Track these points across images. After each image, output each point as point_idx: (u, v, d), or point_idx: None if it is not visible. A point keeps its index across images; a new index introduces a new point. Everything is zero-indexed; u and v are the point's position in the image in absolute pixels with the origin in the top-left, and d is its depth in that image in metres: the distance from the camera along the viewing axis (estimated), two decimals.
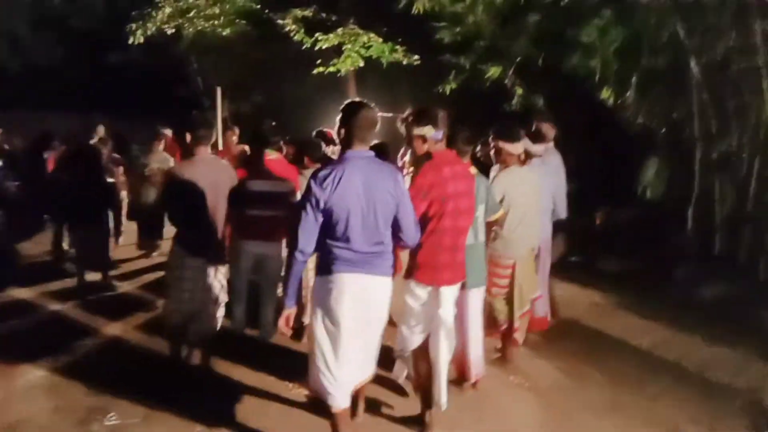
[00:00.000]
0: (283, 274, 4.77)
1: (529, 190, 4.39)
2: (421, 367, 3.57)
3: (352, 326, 2.99)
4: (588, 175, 7.72)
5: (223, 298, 4.21)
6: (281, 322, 3.09)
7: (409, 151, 5.02)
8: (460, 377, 4.08)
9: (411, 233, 3.11)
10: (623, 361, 4.80)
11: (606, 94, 7.27)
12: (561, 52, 7.77)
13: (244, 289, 4.76)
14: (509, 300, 4.38)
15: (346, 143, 3.02)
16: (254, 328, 4.90)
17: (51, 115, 11.73)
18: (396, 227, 3.06)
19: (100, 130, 6.87)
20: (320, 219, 2.92)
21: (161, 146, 7.23)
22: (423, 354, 3.55)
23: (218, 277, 4.12)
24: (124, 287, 6.47)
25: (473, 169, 3.89)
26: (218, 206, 4.04)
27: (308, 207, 2.90)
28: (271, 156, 4.69)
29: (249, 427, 3.65)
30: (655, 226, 6.63)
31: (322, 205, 2.88)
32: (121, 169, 7.81)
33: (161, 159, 7.31)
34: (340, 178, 2.87)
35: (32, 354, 4.61)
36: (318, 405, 3.85)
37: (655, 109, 7.18)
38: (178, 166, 4.09)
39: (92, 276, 6.38)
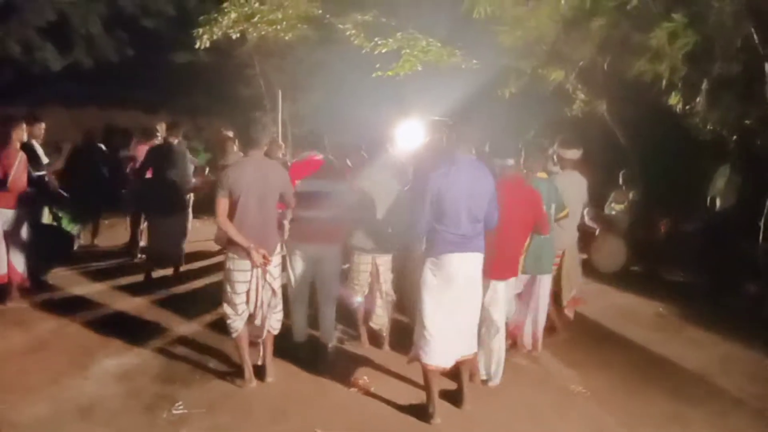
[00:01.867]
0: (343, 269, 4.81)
1: (575, 190, 5.06)
2: None
3: (457, 296, 3.66)
4: (653, 183, 7.52)
5: (276, 302, 4.17)
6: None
7: None
8: (533, 347, 4.82)
9: (492, 220, 3.78)
10: (688, 374, 4.66)
11: (675, 99, 7.06)
12: (626, 57, 7.59)
13: (305, 294, 4.67)
14: (557, 283, 5.02)
15: (455, 147, 3.75)
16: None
17: (120, 112, 12.22)
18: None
19: (163, 128, 7.10)
20: (432, 207, 3.60)
21: (235, 146, 7.40)
22: None
23: (269, 280, 4.07)
24: (197, 283, 6.74)
25: (544, 175, 4.67)
26: (266, 208, 4.01)
27: (428, 196, 3.60)
28: (319, 157, 4.59)
29: (308, 420, 3.72)
30: (724, 238, 6.38)
31: (435, 195, 3.58)
32: (192, 166, 8.10)
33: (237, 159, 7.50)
34: (453, 176, 3.61)
35: (105, 343, 4.87)
36: (374, 402, 3.94)
37: (726, 117, 6.91)
38: (228, 167, 4.04)
39: (164, 271, 6.71)
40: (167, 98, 12.69)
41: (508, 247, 4.00)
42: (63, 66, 13.40)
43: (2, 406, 3.76)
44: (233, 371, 4.32)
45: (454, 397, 3.97)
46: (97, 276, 6.80)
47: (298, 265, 4.57)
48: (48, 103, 11.81)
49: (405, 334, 5.10)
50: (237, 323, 4.07)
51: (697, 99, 7.03)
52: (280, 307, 4.21)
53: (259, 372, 4.25)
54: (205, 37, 9.72)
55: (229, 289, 4.04)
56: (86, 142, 8.17)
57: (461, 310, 3.72)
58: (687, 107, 7.13)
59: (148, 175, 6.62)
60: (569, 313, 5.24)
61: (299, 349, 4.67)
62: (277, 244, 4.17)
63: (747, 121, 6.79)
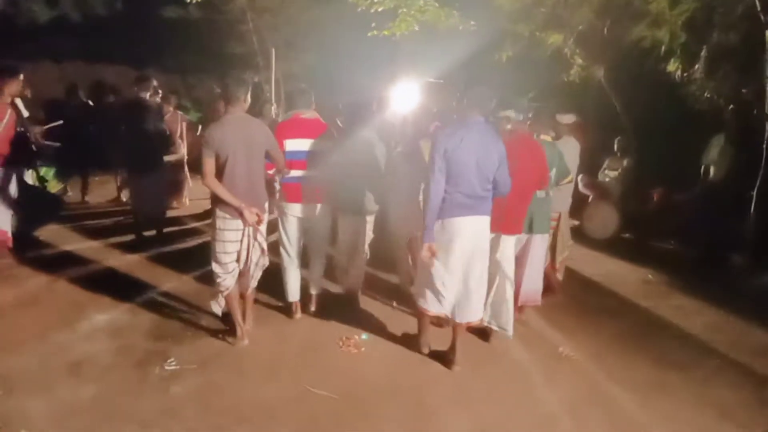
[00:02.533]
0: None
1: (572, 155, 5.07)
2: None
3: (462, 258, 3.74)
4: (647, 152, 7.50)
5: (264, 260, 4.20)
6: (425, 253, 3.71)
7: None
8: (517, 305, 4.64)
9: (506, 186, 3.81)
10: (672, 341, 4.72)
11: (673, 66, 7.00)
12: (626, 22, 7.49)
13: (297, 254, 4.64)
14: (552, 245, 5.13)
15: (467, 110, 3.76)
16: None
17: (109, 68, 11.98)
18: (494, 181, 3.75)
19: (150, 86, 6.84)
20: (445, 167, 3.60)
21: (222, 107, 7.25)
22: None
23: (258, 239, 4.07)
24: (190, 241, 6.75)
25: (549, 138, 4.70)
26: (253, 166, 3.95)
27: (438, 157, 3.60)
28: (305, 116, 4.51)
29: (299, 378, 3.75)
30: (715, 208, 6.40)
31: (447, 156, 3.59)
32: (185, 124, 7.98)
33: None
34: (462, 138, 3.63)
35: (95, 299, 4.85)
36: (364, 360, 3.97)
37: (723, 86, 6.87)
38: (211, 126, 3.96)
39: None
40: (157, 54, 12.40)
41: (517, 201, 4.03)
42: (50, 18, 13.04)
43: None
44: (225, 329, 4.34)
45: (444, 358, 4.04)
46: (88, 233, 6.75)
47: (289, 226, 4.57)
48: (35, 58, 11.57)
49: (391, 292, 5.23)
50: (227, 281, 4.07)
51: (696, 67, 6.97)
52: (265, 262, 4.23)
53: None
54: None
55: (219, 249, 4.00)
56: (68, 95, 7.99)
57: (467, 274, 3.79)
58: (685, 75, 7.08)
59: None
60: (559, 275, 5.35)
61: (291, 308, 4.71)
62: (266, 202, 4.13)
63: (743, 91, 6.75)
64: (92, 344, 4.11)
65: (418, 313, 4.05)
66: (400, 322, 4.63)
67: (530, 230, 4.51)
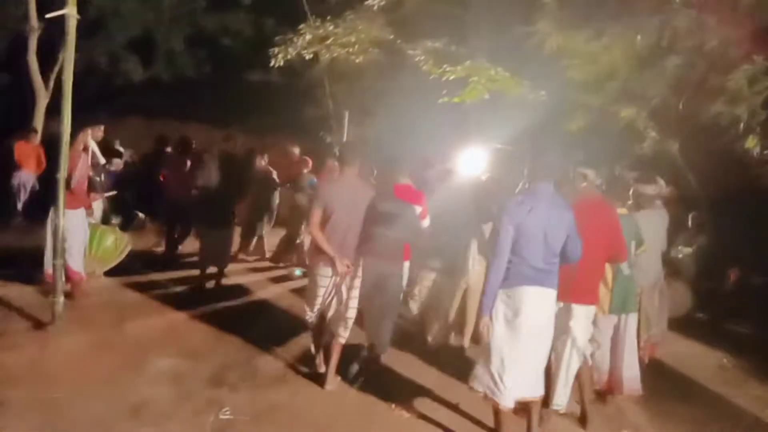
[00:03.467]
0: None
1: (652, 228, 4.83)
2: None
3: (527, 333, 3.50)
4: (724, 229, 7.19)
5: (351, 314, 4.41)
6: (483, 329, 3.58)
7: None
8: (609, 391, 4.55)
9: (575, 254, 3.64)
10: None
11: (751, 143, 6.78)
12: (702, 98, 7.37)
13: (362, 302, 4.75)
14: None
15: (535, 177, 3.75)
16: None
17: (194, 125, 12.74)
18: (563, 248, 3.61)
19: (237, 143, 7.35)
20: (513, 238, 3.50)
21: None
22: None
23: (342, 290, 4.35)
24: (252, 295, 7.01)
25: (625, 210, 4.47)
26: (353, 225, 4.33)
27: (505, 227, 3.51)
28: (402, 181, 4.96)
29: None
30: None
31: (516, 226, 3.50)
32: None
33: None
34: (531, 208, 3.53)
35: (161, 344, 5.01)
36: (420, 426, 3.89)
37: None
38: (324, 183, 4.40)
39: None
40: (238, 114, 13.14)
41: (587, 268, 3.83)
42: (144, 78, 14.18)
43: (59, 396, 3.89)
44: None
45: None
46: (150, 278, 7.01)
47: (362, 278, 4.62)
48: (127, 113, 12.56)
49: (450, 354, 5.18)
50: (311, 318, 4.49)
51: None
52: (348, 315, 4.41)
53: (320, 378, 4.45)
54: (280, 56, 10.05)
55: (312, 293, 4.44)
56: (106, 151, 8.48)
57: (530, 348, 3.55)
58: (765, 152, 6.84)
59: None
60: (644, 356, 5.00)
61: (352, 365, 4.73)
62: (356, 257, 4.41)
63: None
64: (153, 389, 4.20)
65: (493, 410, 3.67)
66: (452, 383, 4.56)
67: (623, 310, 4.34)
